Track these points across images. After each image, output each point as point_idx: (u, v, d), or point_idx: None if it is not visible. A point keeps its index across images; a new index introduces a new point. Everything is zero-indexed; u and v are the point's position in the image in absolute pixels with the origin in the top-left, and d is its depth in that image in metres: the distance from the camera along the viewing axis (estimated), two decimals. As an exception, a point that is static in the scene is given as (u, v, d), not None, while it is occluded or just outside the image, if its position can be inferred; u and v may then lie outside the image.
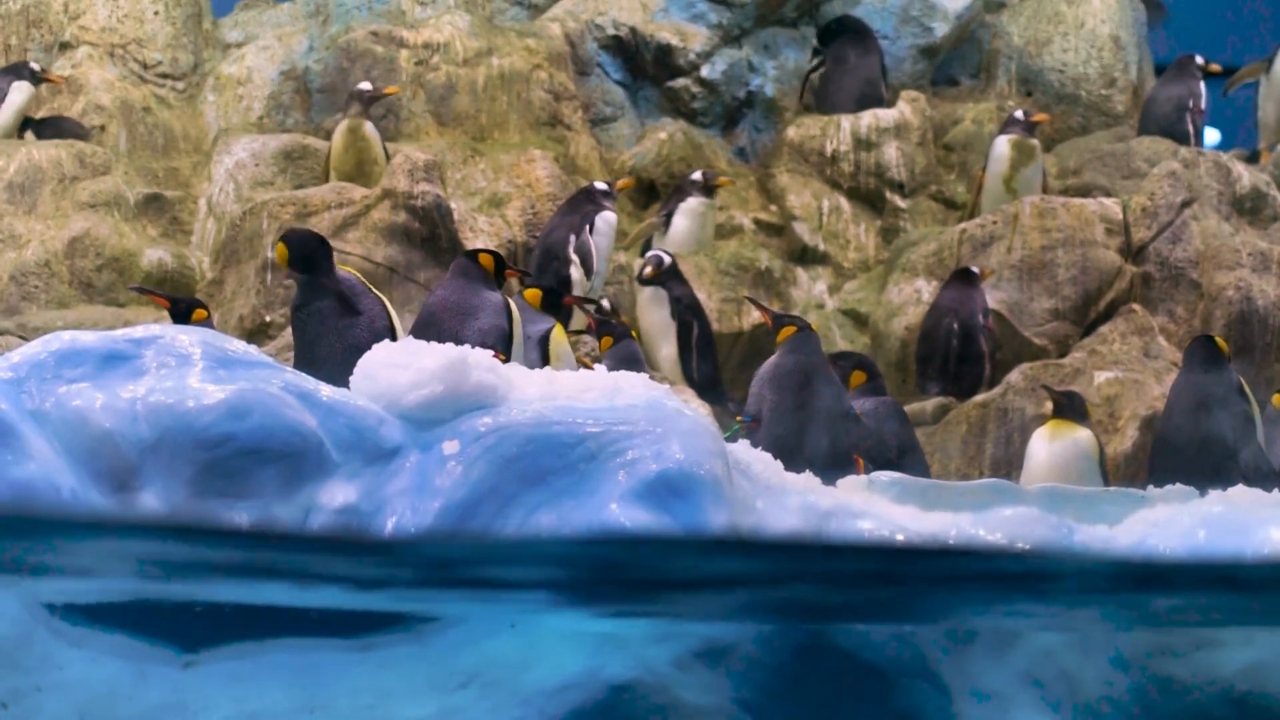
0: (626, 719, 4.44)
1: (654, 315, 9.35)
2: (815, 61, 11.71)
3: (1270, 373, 9.64)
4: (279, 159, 10.45)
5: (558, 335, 7.41)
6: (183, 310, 7.92)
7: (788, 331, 7.82)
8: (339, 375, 4.46)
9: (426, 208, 9.25)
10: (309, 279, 6.37)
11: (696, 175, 10.52)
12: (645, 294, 9.43)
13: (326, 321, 6.35)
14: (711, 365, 9.43)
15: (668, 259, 9.37)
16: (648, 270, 9.36)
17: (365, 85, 10.26)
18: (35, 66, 10.63)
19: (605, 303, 9.35)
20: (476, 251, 7.06)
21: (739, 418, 7.54)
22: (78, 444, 4.04)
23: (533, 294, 7.69)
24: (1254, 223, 10.75)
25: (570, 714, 4.41)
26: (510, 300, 6.92)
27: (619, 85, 11.63)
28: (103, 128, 10.65)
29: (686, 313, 9.35)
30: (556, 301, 7.84)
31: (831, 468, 6.30)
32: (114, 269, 9.86)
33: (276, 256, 6.51)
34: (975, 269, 9.77)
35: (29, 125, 10.54)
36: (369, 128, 10.12)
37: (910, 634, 4.73)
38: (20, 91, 10.55)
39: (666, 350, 9.35)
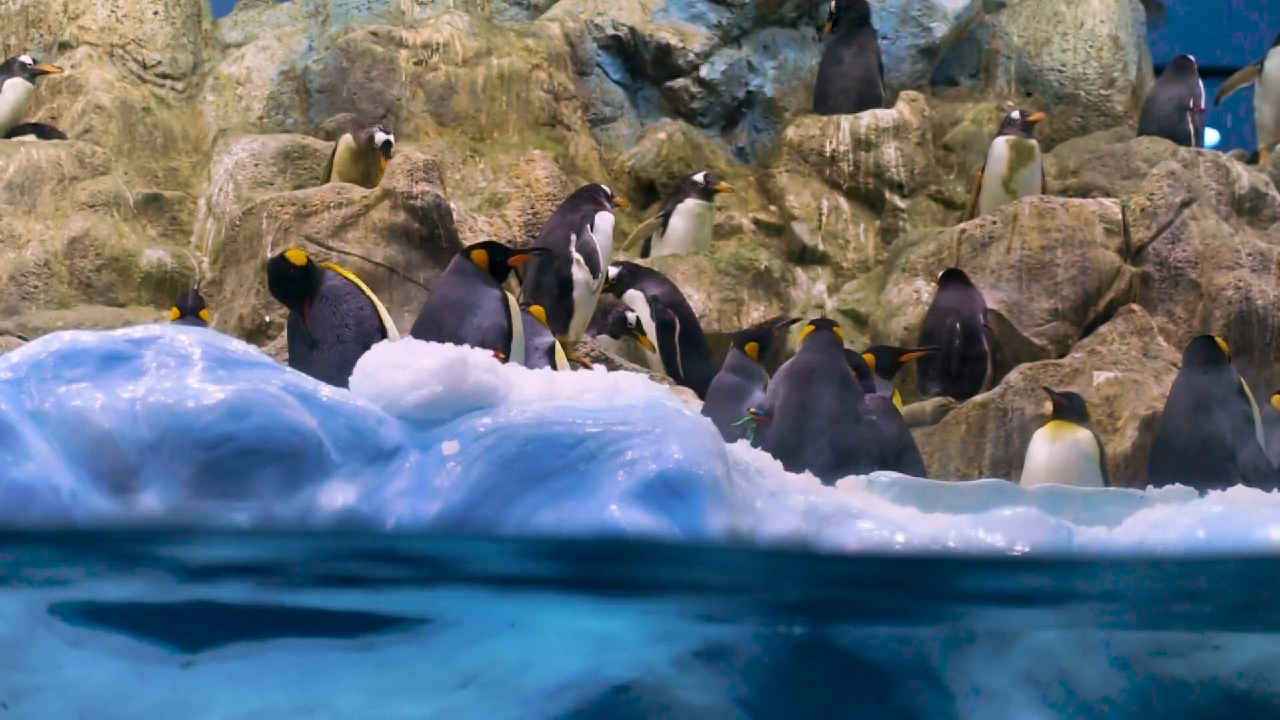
0: (626, 719, 4.44)
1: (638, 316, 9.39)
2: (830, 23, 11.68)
3: (1270, 373, 9.65)
4: (279, 159, 10.46)
5: (559, 349, 7.47)
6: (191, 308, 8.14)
7: (807, 330, 7.86)
8: (333, 381, 4.46)
9: (426, 208, 9.25)
10: (297, 303, 6.47)
11: (698, 177, 10.52)
12: (628, 296, 9.46)
13: (319, 334, 6.41)
14: (702, 362, 9.43)
15: (614, 270, 9.40)
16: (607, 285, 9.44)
17: (383, 135, 10.11)
18: (27, 59, 10.60)
19: (633, 318, 9.37)
20: (470, 248, 7.08)
21: (752, 410, 7.55)
22: (77, 444, 4.04)
23: (538, 310, 7.76)
24: (1253, 223, 10.76)
25: (569, 714, 4.41)
26: (510, 295, 6.94)
27: (618, 85, 11.63)
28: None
29: (665, 311, 9.37)
30: (564, 319, 7.96)
31: (832, 468, 6.30)
32: (114, 269, 9.87)
33: (291, 255, 6.63)
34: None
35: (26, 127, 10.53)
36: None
37: (910, 634, 4.73)
38: (15, 89, 10.53)
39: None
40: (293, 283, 6.54)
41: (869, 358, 8.57)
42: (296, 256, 6.65)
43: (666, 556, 4.37)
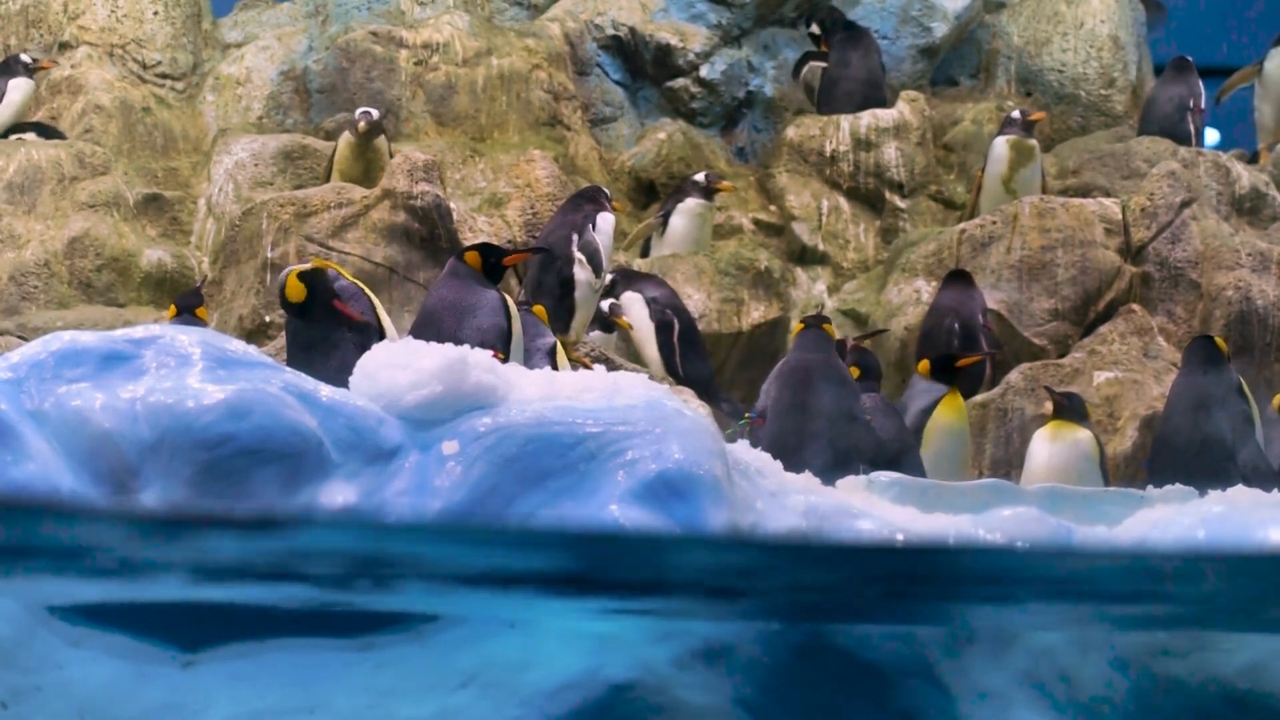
0: (626, 719, 4.44)
1: (635, 319, 9.38)
2: (812, 51, 11.70)
3: (1270, 373, 9.65)
4: (278, 159, 10.46)
5: (560, 350, 7.46)
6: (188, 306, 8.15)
7: (798, 328, 7.85)
8: (333, 381, 4.46)
9: (426, 208, 9.25)
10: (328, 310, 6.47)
11: (699, 176, 10.51)
12: (625, 298, 9.46)
13: (323, 339, 6.42)
14: (700, 363, 9.43)
15: (610, 276, 9.39)
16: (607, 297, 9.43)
17: (373, 112, 10.16)
18: (27, 58, 10.64)
19: (607, 305, 9.36)
20: (463, 250, 7.07)
21: (746, 414, 7.55)
22: (77, 444, 4.04)
23: (540, 310, 7.77)
24: (1253, 223, 10.76)
25: (569, 714, 4.41)
26: (508, 296, 6.93)
27: (618, 85, 11.64)
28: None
29: (664, 311, 9.37)
30: (565, 319, 7.96)
31: (830, 468, 6.29)
32: (113, 269, 9.87)
33: (289, 292, 6.57)
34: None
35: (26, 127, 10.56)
36: (379, 139, 10.12)
37: (910, 634, 4.73)
38: (19, 90, 10.57)
39: (650, 351, 9.37)
40: (310, 301, 6.53)
41: (924, 365, 8.51)
42: (295, 292, 6.60)
43: (666, 556, 4.36)
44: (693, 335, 9.48)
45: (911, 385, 8.56)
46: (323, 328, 6.50)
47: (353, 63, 11.03)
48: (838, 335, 8.96)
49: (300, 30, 11.49)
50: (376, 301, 6.72)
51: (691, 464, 4.20)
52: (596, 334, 9.28)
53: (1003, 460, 9.05)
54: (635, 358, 9.37)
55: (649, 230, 10.54)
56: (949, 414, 8.30)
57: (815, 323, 7.90)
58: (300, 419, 4.13)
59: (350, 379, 4.39)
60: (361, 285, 6.79)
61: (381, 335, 6.45)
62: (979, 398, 9.30)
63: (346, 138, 10.09)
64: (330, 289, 6.57)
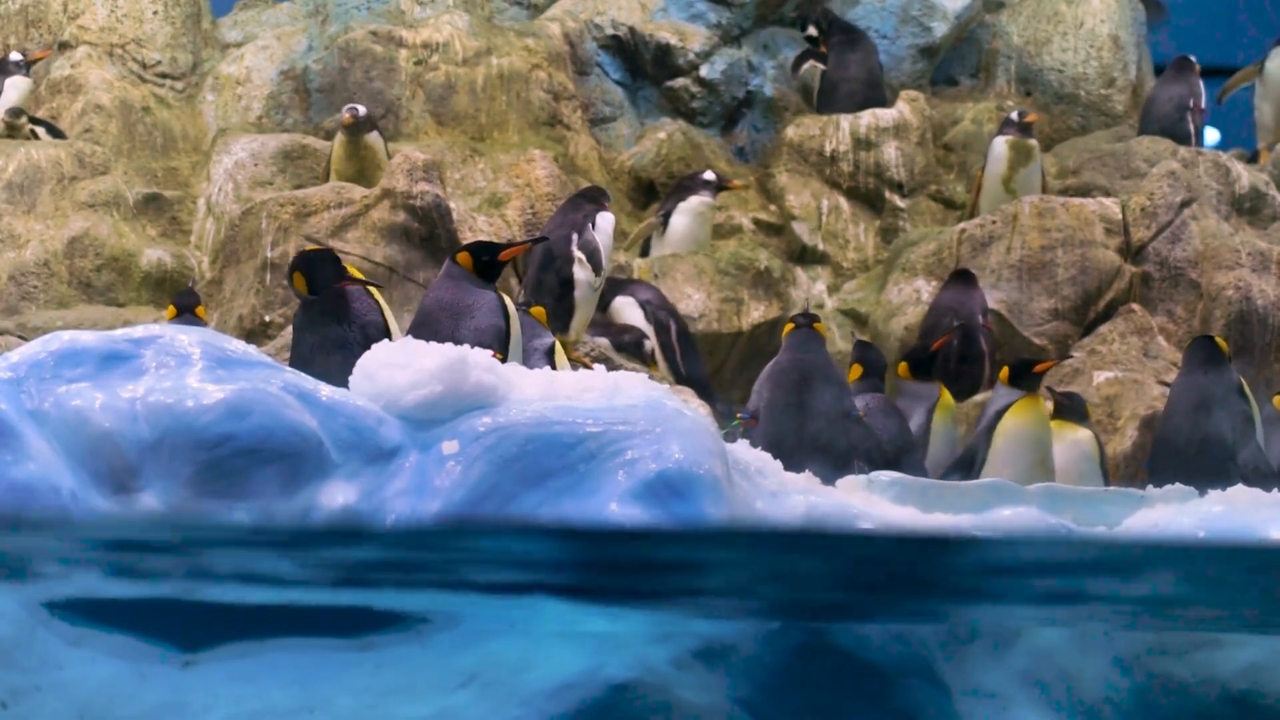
0: (626, 719, 4.44)
1: (631, 323, 9.38)
2: (807, 50, 11.70)
3: (1270, 373, 9.65)
4: (278, 159, 10.45)
5: (559, 350, 7.45)
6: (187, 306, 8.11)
7: (788, 328, 7.82)
8: (335, 380, 4.46)
9: (426, 207, 9.25)
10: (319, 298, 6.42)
11: (708, 175, 10.49)
12: (617, 303, 9.46)
13: (327, 335, 6.39)
14: (696, 362, 9.43)
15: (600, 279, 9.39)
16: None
17: (359, 108, 10.17)
18: (18, 56, 10.65)
19: (649, 347, 9.39)
20: (457, 251, 7.05)
21: (739, 415, 7.54)
22: (77, 444, 4.04)
23: (539, 311, 7.75)
24: (1253, 222, 10.76)
25: (569, 714, 4.42)
26: (505, 296, 6.92)
27: (618, 85, 11.63)
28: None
29: (659, 312, 9.38)
30: (565, 318, 7.96)
31: (827, 468, 6.29)
32: (113, 269, 9.86)
33: (295, 285, 6.53)
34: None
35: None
36: (372, 136, 10.12)
37: (910, 633, 4.73)
38: (16, 88, 10.57)
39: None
40: (326, 272, 6.50)
41: (1004, 373, 8.47)
42: (299, 284, 6.55)
43: (666, 556, 4.37)
44: (687, 335, 9.49)
45: (995, 391, 8.52)
46: (331, 326, 6.45)
47: (352, 62, 11.03)
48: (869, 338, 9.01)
49: (300, 30, 11.48)
50: (383, 302, 6.70)
51: (692, 464, 4.20)
52: (603, 341, 9.28)
53: (1003, 460, 9.03)
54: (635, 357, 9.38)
55: (650, 229, 10.54)
56: (1021, 416, 8.20)
57: (806, 322, 7.88)
58: (300, 419, 4.13)
59: (350, 379, 4.39)
60: (370, 287, 6.72)
61: (387, 334, 6.43)
62: (978, 397, 9.30)
63: (339, 136, 10.11)
64: (332, 274, 6.52)
